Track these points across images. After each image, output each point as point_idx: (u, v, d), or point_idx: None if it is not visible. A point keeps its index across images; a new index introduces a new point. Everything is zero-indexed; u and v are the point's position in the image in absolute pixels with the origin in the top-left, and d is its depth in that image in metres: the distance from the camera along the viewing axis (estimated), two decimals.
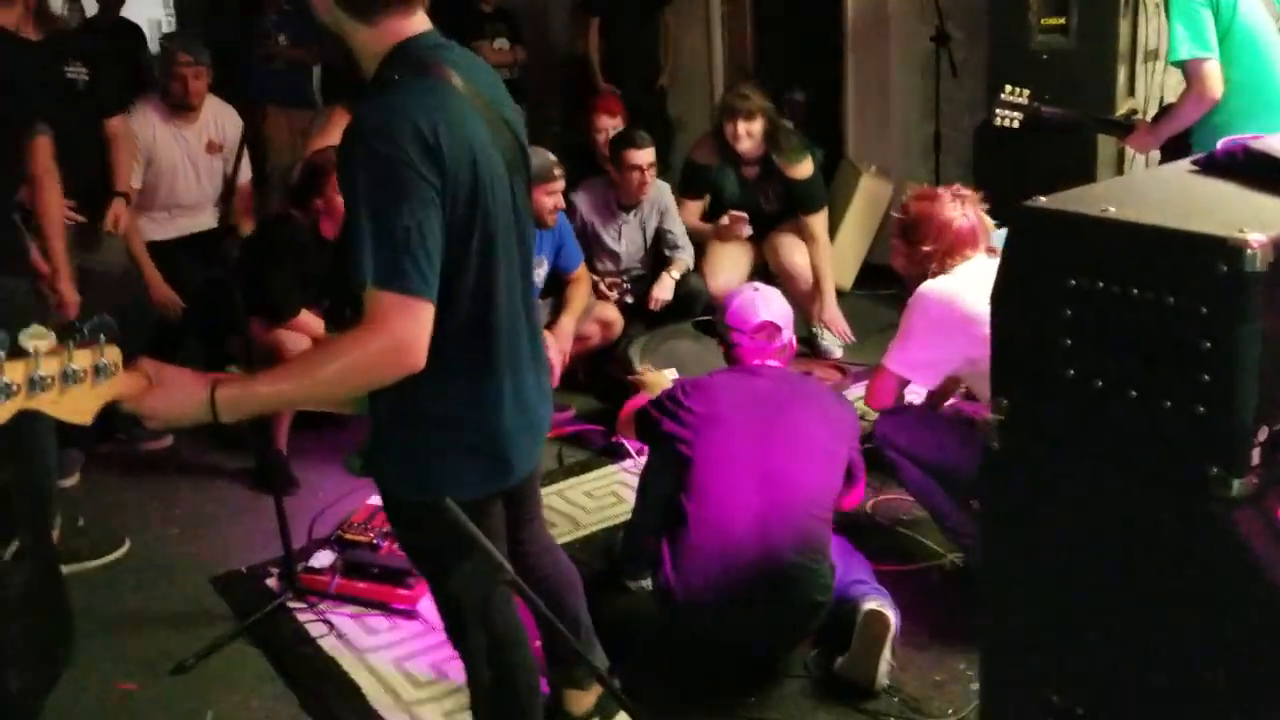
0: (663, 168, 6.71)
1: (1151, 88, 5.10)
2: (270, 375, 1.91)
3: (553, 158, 4.34)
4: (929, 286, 3.19)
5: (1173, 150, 3.92)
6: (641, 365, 4.39)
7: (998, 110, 3.96)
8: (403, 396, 1.95)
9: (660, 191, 5.14)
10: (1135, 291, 1.45)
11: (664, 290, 4.96)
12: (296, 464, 4.26)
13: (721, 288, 4.92)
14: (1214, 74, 3.55)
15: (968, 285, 3.08)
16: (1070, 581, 1.68)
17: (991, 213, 3.31)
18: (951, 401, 3.65)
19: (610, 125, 5.43)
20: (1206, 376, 1.42)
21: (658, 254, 5.16)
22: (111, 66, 4.91)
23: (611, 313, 4.85)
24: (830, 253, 5.24)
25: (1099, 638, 1.66)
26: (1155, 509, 1.52)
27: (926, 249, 3.22)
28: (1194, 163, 1.71)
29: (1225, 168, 1.67)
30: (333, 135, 4.85)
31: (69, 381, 1.70)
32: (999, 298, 1.63)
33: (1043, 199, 1.58)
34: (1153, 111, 4.89)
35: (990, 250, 3.24)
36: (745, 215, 5.06)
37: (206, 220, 5.02)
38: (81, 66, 4.39)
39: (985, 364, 2.94)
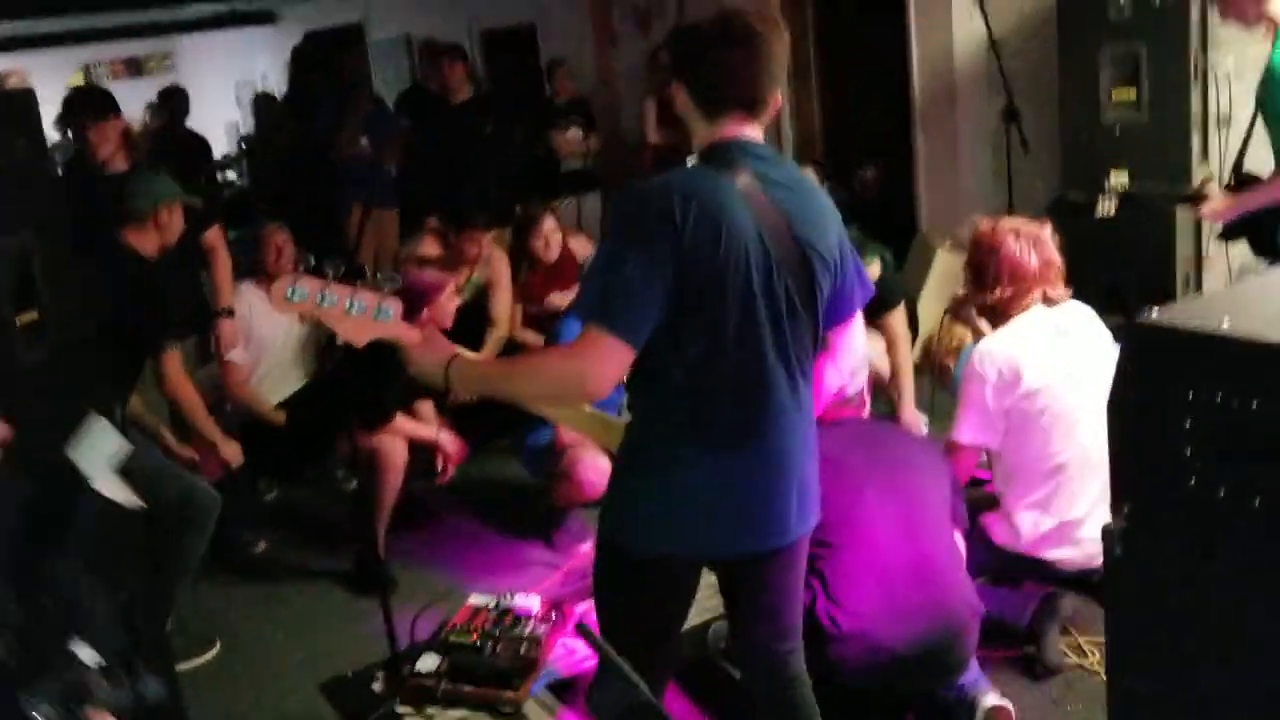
0: None
1: (1226, 153, 5.09)
2: (488, 363, 2.43)
3: None
4: (983, 347, 3.25)
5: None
6: None
7: (1101, 199, 3.94)
8: (627, 439, 2.27)
9: None
10: (1255, 404, 1.46)
11: None
12: (393, 565, 4.32)
13: None
14: None
15: (1021, 340, 3.19)
16: (1197, 686, 1.67)
17: (1070, 285, 3.31)
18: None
19: None
20: None
21: None
22: (197, 182, 5.10)
23: None
24: (909, 351, 5.22)
25: None
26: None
27: (1002, 294, 3.24)
28: None
29: None
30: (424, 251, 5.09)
31: (351, 309, 2.26)
32: (1117, 407, 1.65)
33: (1155, 312, 1.60)
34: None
35: (1048, 300, 3.25)
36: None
37: (295, 382, 5.14)
38: None
39: (1018, 415, 3.14)
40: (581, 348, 2.06)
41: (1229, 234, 4.04)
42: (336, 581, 4.40)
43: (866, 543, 2.92)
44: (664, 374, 2.14)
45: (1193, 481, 1.57)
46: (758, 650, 2.46)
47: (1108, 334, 3.31)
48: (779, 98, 2.23)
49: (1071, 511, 3.17)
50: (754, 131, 2.22)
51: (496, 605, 3.79)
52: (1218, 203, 3.86)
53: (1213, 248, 5.23)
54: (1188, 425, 1.55)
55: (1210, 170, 5.04)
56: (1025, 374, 3.13)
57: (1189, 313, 1.62)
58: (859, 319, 2.44)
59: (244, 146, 11.94)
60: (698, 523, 2.20)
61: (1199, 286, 5.33)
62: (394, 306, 2.29)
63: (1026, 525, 3.21)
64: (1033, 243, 3.25)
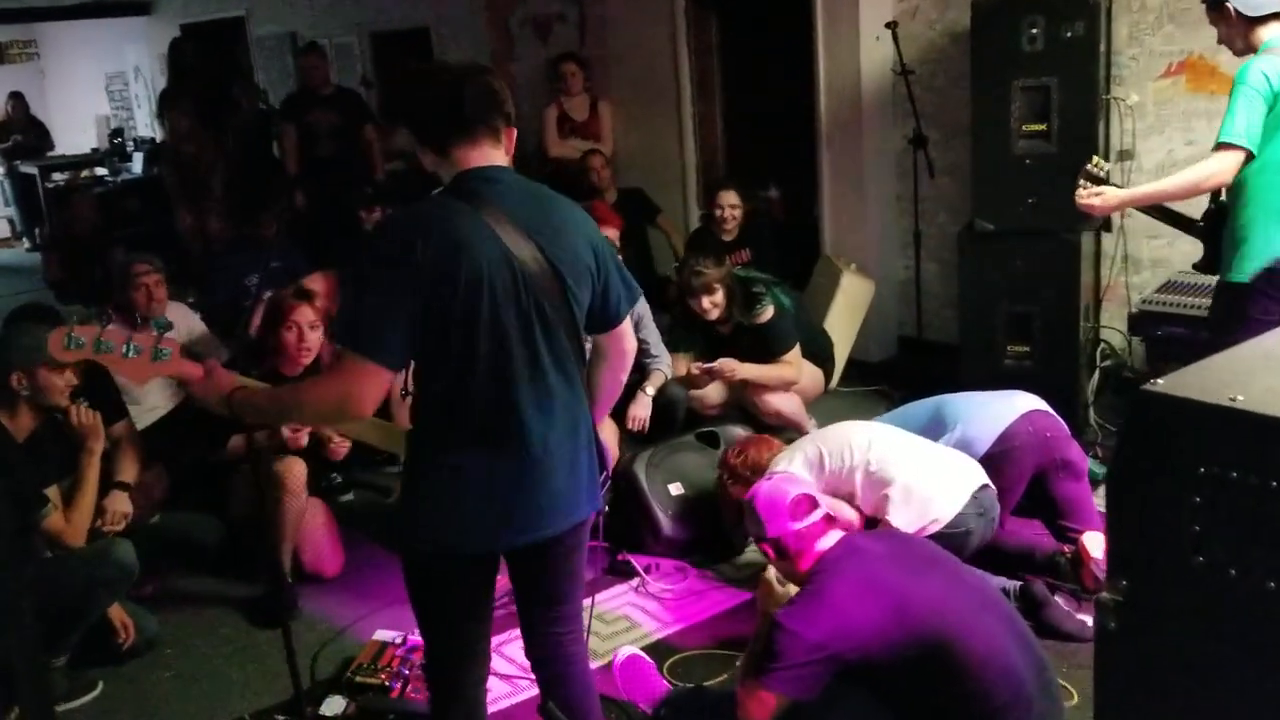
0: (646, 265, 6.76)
1: (1127, 185, 5.20)
2: (264, 394, 2.51)
3: None
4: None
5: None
6: (646, 482, 4.33)
7: (1081, 179, 3.99)
8: (409, 445, 2.45)
9: None
10: (1275, 484, 1.42)
11: (641, 408, 4.86)
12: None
13: (704, 402, 5.03)
14: (1236, 167, 3.58)
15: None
16: None
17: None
18: None
19: (612, 236, 5.36)
20: None
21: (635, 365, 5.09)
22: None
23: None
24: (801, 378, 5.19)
25: None
26: None
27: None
28: None
29: None
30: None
31: (129, 353, 2.46)
32: (1119, 480, 1.60)
33: (1160, 382, 1.55)
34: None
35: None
36: (711, 365, 4.95)
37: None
38: None
39: None
40: (339, 373, 2.27)
41: (1206, 268, 4.06)
42: (230, 615, 4.15)
43: (970, 627, 2.68)
44: (427, 389, 2.36)
45: (1200, 559, 1.52)
46: (538, 634, 2.65)
47: None
48: (512, 129, 2.42)
49: None
50: (484, 156, 2.36)
51: (404, 641, 3.61)
52: (1109, 195, 3.95)
53: (1114, 277, 5.34)
54: (1197, 500, 1.50)
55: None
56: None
57: (1197, 384, 1.57)
58: (628, 326, 2.60)
59: (133, 143, 11.45)
60: (464, 521, 2.36)
61: (1098, 317, 5.43)
62: (171, 347, 2.49)
63: None
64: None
